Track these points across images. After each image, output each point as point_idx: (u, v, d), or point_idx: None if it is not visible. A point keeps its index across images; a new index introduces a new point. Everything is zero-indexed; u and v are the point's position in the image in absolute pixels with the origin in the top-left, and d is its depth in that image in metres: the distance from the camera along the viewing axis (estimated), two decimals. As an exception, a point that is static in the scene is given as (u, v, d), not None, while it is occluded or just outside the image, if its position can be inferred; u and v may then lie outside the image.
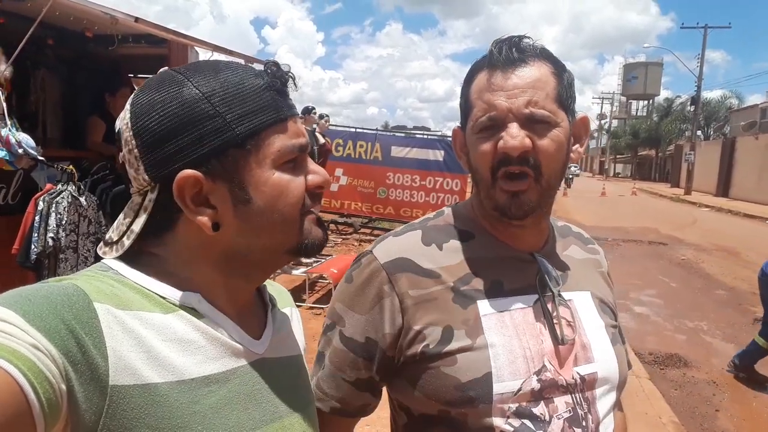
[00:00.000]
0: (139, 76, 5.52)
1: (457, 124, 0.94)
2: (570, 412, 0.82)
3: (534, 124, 0.81)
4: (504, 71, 0.82)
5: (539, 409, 0.81)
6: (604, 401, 0.86)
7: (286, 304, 0.82)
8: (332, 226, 10.72)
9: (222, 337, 0.63)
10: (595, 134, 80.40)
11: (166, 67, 0.68)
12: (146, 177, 0.61)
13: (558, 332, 0.84)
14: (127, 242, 0.62)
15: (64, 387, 0.49)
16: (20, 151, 3.21)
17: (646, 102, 71.51)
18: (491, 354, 0.81)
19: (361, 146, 11.29)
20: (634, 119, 63.41)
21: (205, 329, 0.62)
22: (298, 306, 0.88)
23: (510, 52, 0.82)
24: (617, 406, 0.95)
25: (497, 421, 0.79)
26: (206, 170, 0.60)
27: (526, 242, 0.90)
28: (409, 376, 0.84)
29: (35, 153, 3.30)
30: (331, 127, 11.41)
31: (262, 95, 0.62)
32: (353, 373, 0.87)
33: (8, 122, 3.27)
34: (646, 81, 69.64)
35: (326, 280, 6.00)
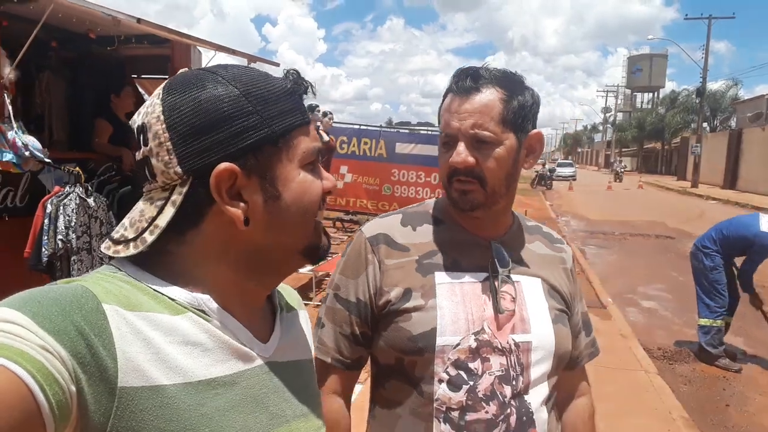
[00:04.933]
0: (143, 76, 5.52)
1: None
2: (502, 372, 0.99)
3: (479, 143, 0.99)
4: (460, 97, 1.00)
5: (474, 365, 0.98)
6: (537, 368, 1.02)
7: (294, 306, 0.83)
8: (338, 224, 10.70)
9: (230, 340, 0.63)
10: (600, 127, 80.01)
11: (186, 68, 0.69)
12: (179, 170, 0.61)
13: (498, 303, 1.01)
14: (150, 237, 0.61)
15: (73, 388, 0.49)
16: (27, 153, 3.22)
17: (651, 94, 71.08)
18: (438, 314, 0.99)
19: (366, 143, 11.26)
20: (639, 112, 62.99)
21: (213, 332, 0.62)
22: (306, 304, 0.91)
23: (465, 82, 1.00)
24: (580, 393, 1.20)
25: (438, 369, 0.98)
26: (242, 164, 0.61)
27: (486, 231, 1.08)
28: (379, 329, 1.04)
29: (42, 155, 3.32)
30: (335, 125, 11.40)
31: (290, 98, 0.65)
32: (348, 327, 1.05)
33: (14, 125, 3.29)
34: (650, 73, 69.12)
35: (333, 278, 5.99)
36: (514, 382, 0.99)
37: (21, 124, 3.38)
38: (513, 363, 1.00)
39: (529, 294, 1.06)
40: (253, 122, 0.62)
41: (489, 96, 0.99)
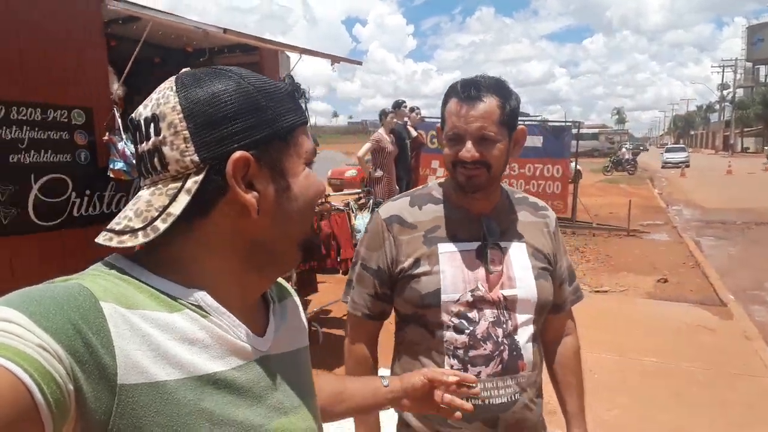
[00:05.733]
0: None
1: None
2: (494, 318, 1.27)
3: (483, 141, 1.24)
4: (466, 104, 1.23)
5: (472, 314, 1.26)
6: (522, 315, 1.29)
7: (284, 294, 0.84)
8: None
9: (227, 336, 0.64)
10: (716, 106, 73.06)
11: (188, 68, 0.71)
12: (195, 158, 0.62)
13: (488, 266, 1.28)
14: (163, 225, 0.61)
15: (71, 387, 0.50)
16: (135, 161, 3.48)
17: (777, 66, 63.62)
18: (441, 277, 1.27)
19: (457, 137, 11.10)
20: (763, 86, 56.62)
21: (210, 328, 0.63)
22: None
23: (470, 92, 1.23)
24: (567, 332, 1.50)
25: (444, 318, 1.26)
26: (255, 155, 0.63)
27: (478, 208, 1.33)
28: (398, 289, 1.32)
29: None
30: (426, 120, 11.36)
31: (292, 98, 0.69)
32: (372, 289, 1.35)
33: (123, 136, 3.57)
34: (776, 42, 61.90)
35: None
36: (504, 326, 1.27)
37: (129, 135, 3.67)
38: (502, 312, 1.28)
39: (515, 257, 1.32)
40: (266, 116, 0.65)
41: (490, 103, 1.23)
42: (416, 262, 1.28)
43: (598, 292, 6.28)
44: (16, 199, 2.97)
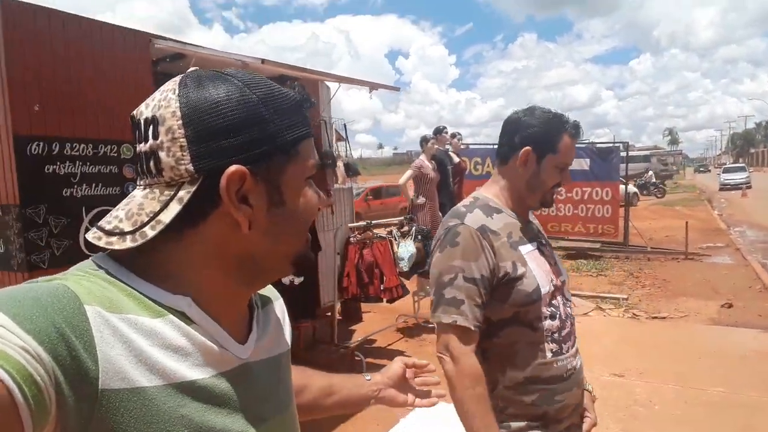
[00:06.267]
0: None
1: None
2: (564, 300, 1.51)
3: None
4: (575, 140, 1.50)
5: (556, 301, 1.47)
6: (568, 294, 1.57)
7: (267, 300, 0.83)
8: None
9: (209, 343, 0.63)
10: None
11: (197, 68, 0.68)
12: (190, 167, 0.60)
13: (549, 260, 1.53)
14: (151, 233, 0.60)
15: (52, 390, 0.49)
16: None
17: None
18: (535, 274, 1.43)
19: (500, 163, 10.96)
20: (828, 100, 53.41)
21: (192, 335, 0.62)
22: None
23: (579, 132, 1.51)
24: None
25: (543, 309, 1.42)
26: (252, 169, 0.62)
27: (526, 215, 1.57)
28: (498, 294, 1.41)
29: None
30: (470, 147, 11.28)
31: (299, 110, 0.67)
32: (479, 299, 1.39)
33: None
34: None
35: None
36: (567, 304, 1.52)
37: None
38: (563, 294, 1.52)
39: (550, 251, 1.58)
40: (269, 131, 0.63)
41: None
42: (514, 265, 1.41)
43: (655, 318, 5.96)
44: (69, 231, 3.09)
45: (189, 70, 0.65)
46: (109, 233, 0.62)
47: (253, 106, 0.62)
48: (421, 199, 6.18)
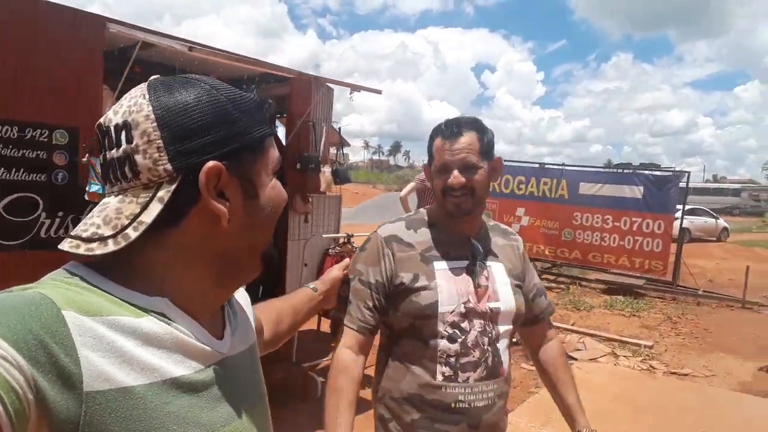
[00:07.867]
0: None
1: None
2: (482, 328, 1.45)
3: (468, 168, 1.45)
4: (450, 140, 1.47)
5: (464, 324, 1.44)
6: (503, 325, 1.48)
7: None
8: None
9: (190, 340, 0.65)
10: None
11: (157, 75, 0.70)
12: (169, 167, 0.63)
13: (477, 281, 1.48)
14: (134, 234, 0.62)
15: (31, 397, 0.50)
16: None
17: None
18: (438, 290, 1.43)
19: (545, 183, 10.28)
20: None
21: (173, 334, 0.64)
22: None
23: (452, 129, 1.47)
24: (549, 338, 1.69)
25: (440, 327, 1.42)
26: (227, 165, 0.65)
27: (465, 231, 1.54)
28: (394, 303, 1.47)
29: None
30: (513, 164, 10.63)
31: (261, 110, 0.71)
32: (369, 301, 1.46)
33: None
34: None
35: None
36: (489, 335, 1.45)
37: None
38: (488, 322, 1.45)
39: (497, 274, 1.51)
40: (238, 128, 0.67)
41: (470, 137, 1.45)
42: (415, 278, 1.43)
43: (674, 374, 5.15)
44: (-17, 215, 2.98)
45: (151, 78, 0.67)
46: (87, 240, 0.62)
47: (223, 106, 0.66)
48: (423, 214, 5.76)
